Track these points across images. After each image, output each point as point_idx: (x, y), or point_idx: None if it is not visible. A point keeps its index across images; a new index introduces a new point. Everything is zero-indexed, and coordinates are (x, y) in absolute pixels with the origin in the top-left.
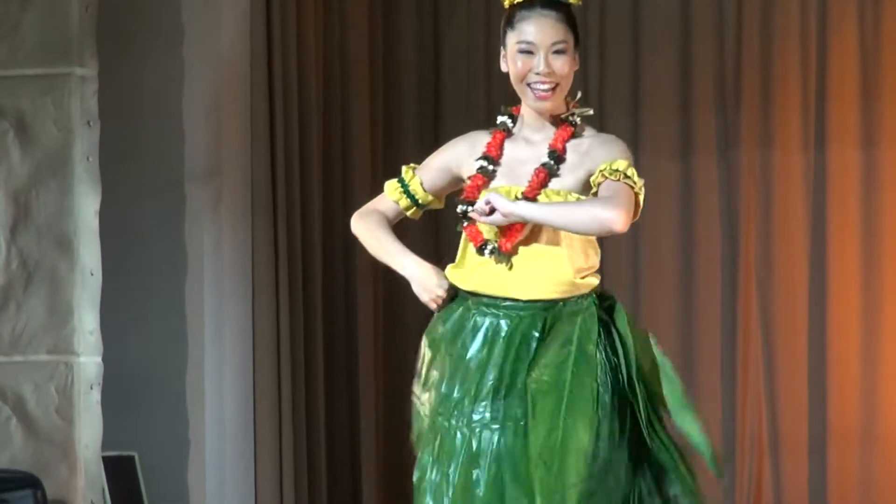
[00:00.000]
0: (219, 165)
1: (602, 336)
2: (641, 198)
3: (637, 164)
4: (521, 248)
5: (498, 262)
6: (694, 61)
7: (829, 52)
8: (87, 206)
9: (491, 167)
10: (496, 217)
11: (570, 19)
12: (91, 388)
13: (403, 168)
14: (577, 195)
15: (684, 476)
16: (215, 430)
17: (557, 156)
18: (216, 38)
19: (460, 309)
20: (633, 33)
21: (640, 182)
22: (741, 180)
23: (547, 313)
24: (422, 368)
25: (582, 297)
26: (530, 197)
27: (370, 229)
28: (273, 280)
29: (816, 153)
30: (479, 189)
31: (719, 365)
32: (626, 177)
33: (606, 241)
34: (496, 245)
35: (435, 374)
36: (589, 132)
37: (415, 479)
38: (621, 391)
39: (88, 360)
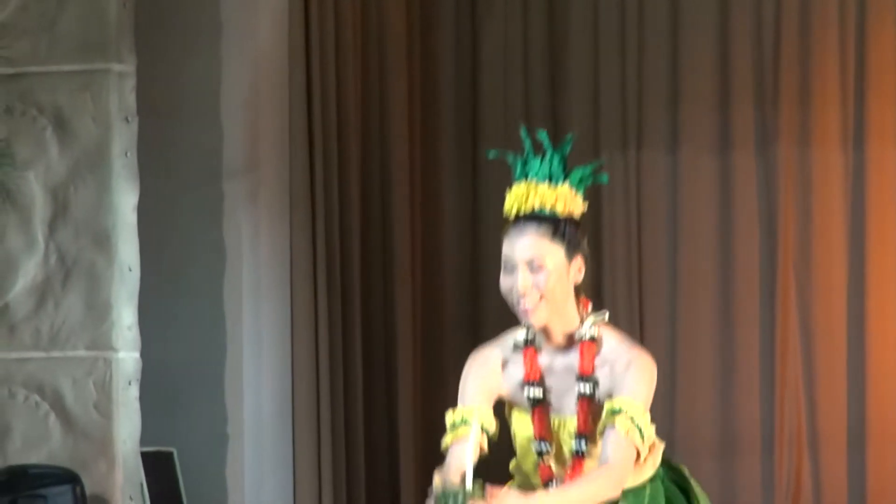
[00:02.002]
0: (256, 161)
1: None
2: (646, 443)
3: (675, 160)
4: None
5: None
6: (732, 57)
7: (868, 48)
8: (126, 202)
9: (542, 395)
10: None
11: (557, 231)
12: (129, 383)
13: (456, 413)
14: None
15: None
16: (254, 426)
17: (591, 380)
18: (254, 34)
19: None
20: (672, 29)
21: (646, 428)
22: (779, 177)
23: None
24: None
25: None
26: (586, 433)
27: None
28: (311, 275)
29: (855, 150)
30: (544, 424)
31: (758, 361)
32: (632, 421)
33: (644, 238)
34: (562, 482)
35: None
36: (610, 342)
37: None
38: None
39: (127, 356)
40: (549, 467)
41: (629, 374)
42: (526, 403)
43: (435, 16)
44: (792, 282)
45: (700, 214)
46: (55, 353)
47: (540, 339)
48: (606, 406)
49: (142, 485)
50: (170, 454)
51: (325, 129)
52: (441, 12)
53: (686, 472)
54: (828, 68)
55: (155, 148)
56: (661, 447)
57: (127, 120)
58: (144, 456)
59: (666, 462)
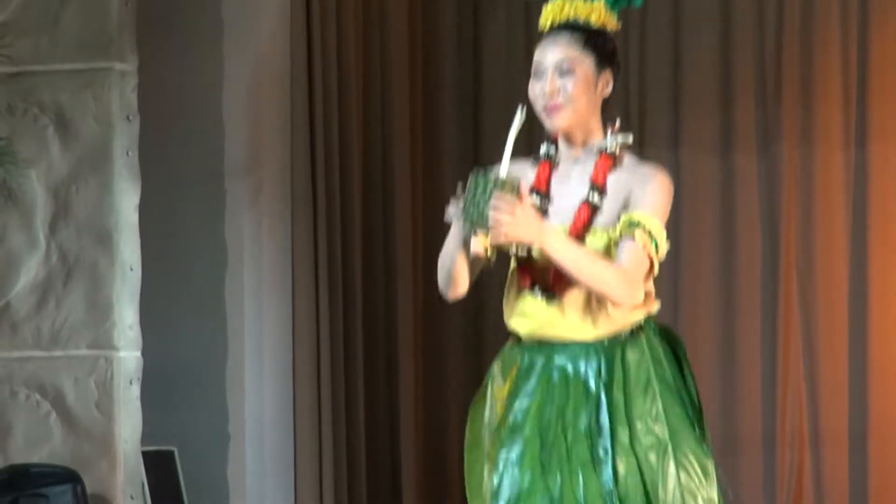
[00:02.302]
0: (258, 160)
1: (668, 359)
2: (660, 256)
3: (676, 160)
4: (570, 289)
5: (549, 303)
6: (734, 57)
7: (870, 48)
8: (127, 201)
9: (543, 203)
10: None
11: (589, 40)
12: (131, 382)
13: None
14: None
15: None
16: (255, 425)
17: (599, 190)
18: (256, 32)
19: (514, 349)
20: (674, 28)
21: (662, 243)
22: (781, 176)
23: (606, 351)
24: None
25: (639, 328)
26: (575, 236)
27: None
28: (312, 274)
29: (857, 149)
30: None
31: (760, 360)
32: (649, 235)
33: None
34: (547, 285)
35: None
36: (629, 162)
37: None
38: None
39: (128, 355)
40: (528, 271)
41: (648, 188)
42: None
43: (437, 15)
44: (794, 281)
45: (702, 214)
46: (57, 353)
47: (560, 153)
48: (624, 218)
49: (143, 484)
50: (171, 453)
51: (326, 129)
52: (443, 11)
53: (677, 334)
54: (830, 67)
55: (156, 147)
56: (656, 305)
57: (129, 119)
58: (145, 455)
59: (659, 324)
